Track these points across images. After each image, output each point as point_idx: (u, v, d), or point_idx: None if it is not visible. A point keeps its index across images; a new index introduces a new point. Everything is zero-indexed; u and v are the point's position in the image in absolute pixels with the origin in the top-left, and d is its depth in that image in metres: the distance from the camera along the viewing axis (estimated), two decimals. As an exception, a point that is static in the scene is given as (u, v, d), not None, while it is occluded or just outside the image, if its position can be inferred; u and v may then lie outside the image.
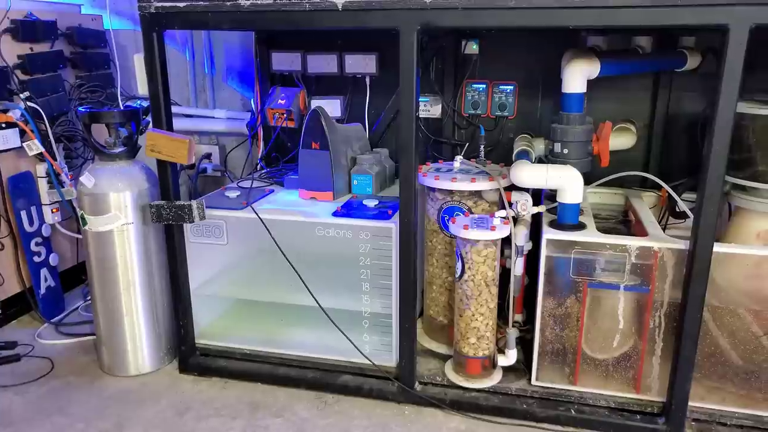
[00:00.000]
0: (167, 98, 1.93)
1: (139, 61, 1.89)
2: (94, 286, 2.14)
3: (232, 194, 2.25)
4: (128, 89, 3.07)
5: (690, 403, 1.80)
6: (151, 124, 1.96)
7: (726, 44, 1.49)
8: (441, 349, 2.20)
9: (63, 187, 2.51)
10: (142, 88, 1.92)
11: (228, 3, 1.76)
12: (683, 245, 1.72)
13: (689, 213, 1.90)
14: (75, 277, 2.89)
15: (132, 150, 2.13)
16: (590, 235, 1.83)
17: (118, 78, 2.95)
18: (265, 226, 2.02)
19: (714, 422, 1.83)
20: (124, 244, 2.08)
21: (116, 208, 2.05)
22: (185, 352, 2.19)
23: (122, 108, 2.27)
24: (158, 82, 1.88)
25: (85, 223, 2.07)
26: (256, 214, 2.04)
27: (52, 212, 2.58)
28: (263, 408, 2.01)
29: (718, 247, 1.67)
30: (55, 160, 2.48)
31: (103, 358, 2.22)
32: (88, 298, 2.75)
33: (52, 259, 2.63)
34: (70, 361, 2.30)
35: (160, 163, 1.97)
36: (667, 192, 2.11)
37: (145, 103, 2.20)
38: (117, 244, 2.07)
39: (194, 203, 1.98)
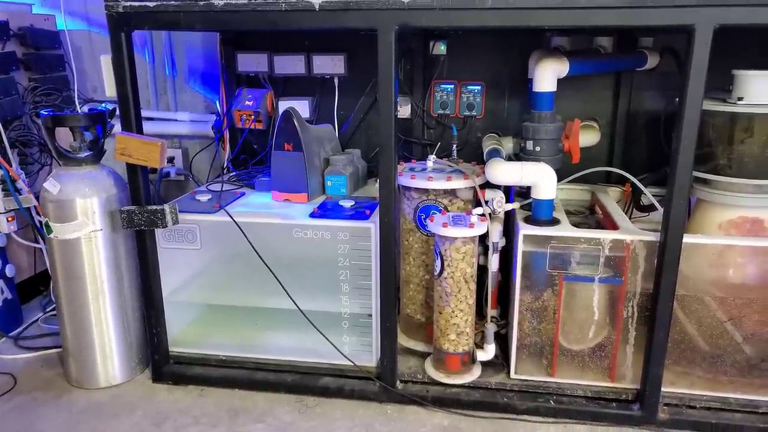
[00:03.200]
0: (137, 100, 1.87)
1: (106, 63, 1.83)
2: (60, 296, 2.05)
3: (203, 198, 2.20)
4: (85, 92, 2.96)
5: (662, 389, 1.88)
6: (120, 127, 1.89)
7: (692, 44, 1.56)
8: (419, 347, 2.22)
9: (20, 194, 2.39)
10: (110, 90, 1.85)
11: (201, 2, 1.72)
12: (654, 237, 1.79)
13: (657, 206, 1.98)
14: (33, 288, 2.77)
15: (98, 154, 2.06)
16: (565, 230, 1.88)
17: (74, 80, 2.84)
18: (241, 230, 1.99)
19: (684, 406, 1.91)
20: (92, 251, 2.00)
21: (83, 214, 1.97)
22: (158, 360, 2.13)
23: (84, 111, 2.17)
24: (127, 84, 1.82)
25: (50, 231, 1.98)
26: (231, 217, 2.00)
27: (8, 221, 2.46)
28: (243, 414, 1.97)
29: (687, 238, 1.74)
30: (11, 166, 2.37)
31: (71, 371, 2.13)
32: (48, 309, 2.65)
33: (9, 271, 2.51)
34: (33, 376, 2.19)
35: (130, 167, 1.91)
36: (631, 186, 2.20)
37: (110, 106, 2.12)
38: (85, 251, 2.00)
39: (167, 207, 1.93)
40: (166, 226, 1.94)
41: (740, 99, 1.88)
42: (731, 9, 1.51)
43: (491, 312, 2.24)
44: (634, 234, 1.83)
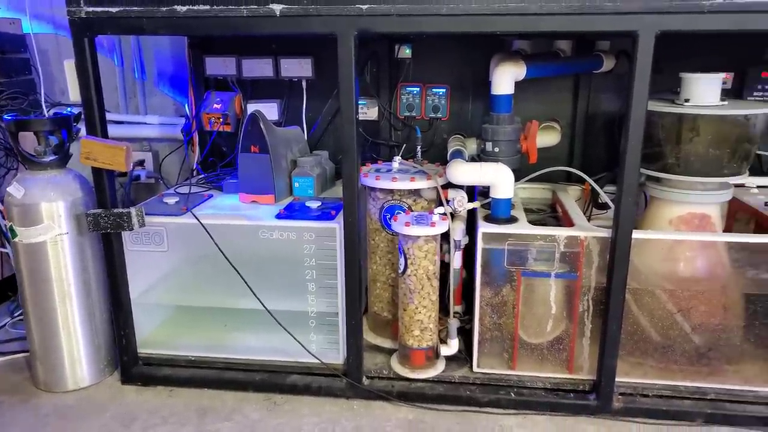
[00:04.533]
0: (101, 104, 1.89)
1: (70, 68, 1.84)
2: (26, 299, 2.06)
3: (171, 200, 2.22)
4: (52, 95, 2.95)
5: (617, 379, 1.95)
6: (85, 131, 1.91)
7: (636, 48, 1.64)
8: (386, 343, 2.27)
9: (-15, 199, 2.39)
10: (74, 94, 1.87)
11: (163, 9, 1.75)
12: (606, 233, 1.87)
13: (610, 204, 2.06)
14: (1, 293, 2.76)
15: (64, 158, 2.07)
16: (522, 228, 1.95)
17: (41, 84, 2.83)
18: (207, 231, 2.02)
19: (638, 395, 1.99)
20: (59, 255, 2.02)
21: (49, 218, 1.98)
22: (127, 362, 2.15)
23: (50, 115, 2.18)
24: (91, 88, 1.84)
25: (14, 236, 1.99)
26: (197, 219, 2.03)
27: (-26, 226, 2.46)
28: (212, 413, 2.00)
29: (636, 234, 1.82)
30: (-24, 170, 2.37)
31: (38, 375, 2.14)
32: (16, 314, 2.65)
33: (-25, 276, 2.51)
34: (0, 381, 2.19)
35: (96, 171, 1.93)
36: (590, 185, 2.27)
37: (75, 110, 2.13)
38: (51, 255, 2.01)
39: (133, 210, 1.95)
40: (133, 229, 1.97)
41: (687, 101, 1.97)
42: (671, 16, 1.59)
43: (456, 308, 2.31)
44: (588, 231, 1.91)
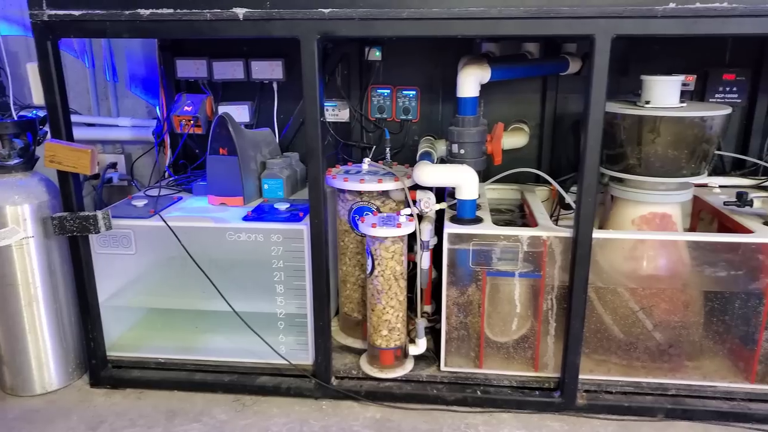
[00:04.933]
0: (65, 108, 1.89)
1: (33, 71, 1.84)
2: (-8, 304, 2.06)
3: (139, 203, 2.22)
4: (21, 98, 2.93)
5: (581, 376, 1.99)
6: (49, 135, 1.91)
7: (593, 52, 1.67)
8: (357, 344, 2.29)
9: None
10: (38, 97, 1.87)
11: (126, 12, 1.76)
12: (568, 233, 1.90)
13: (572, 204, 2.10)
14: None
15: (29, 161, 2.07)
16: (486, 228, 1.98)
17: (10, 86, 2.82)
18: (174, 234, 2.02)
19: (602, 391, 2.03)
20: (24, 258, 2.01)
21: (14, 221, 1.98)
22: (96, 365, 2.14)
23: (16, 118, 2.18)
24: (55, 91, 1.84)
25: (-21, 239, 1.98)
26: (164, 221, 2.03)
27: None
28: (181, 415, 2.01)
29: (596, 234, 1.86)
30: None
31: (5, 379, 2.12)
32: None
33: (-57, 280, 2.48)
34: (-32, 385, 2.18)
35: (61, 174, 1.93)
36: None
37: (42, 113, 2.13)
38: (16, 259, 2.00)
39: (99, 213, 1.95)
40: (99, 232, 1.97)
41: (647, 102, 2.01)
42: (626, 20, 1.63)
43: (426, 308, 2.34)
44: (550, 231, 1.94)
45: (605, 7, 1.63)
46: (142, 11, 1.76)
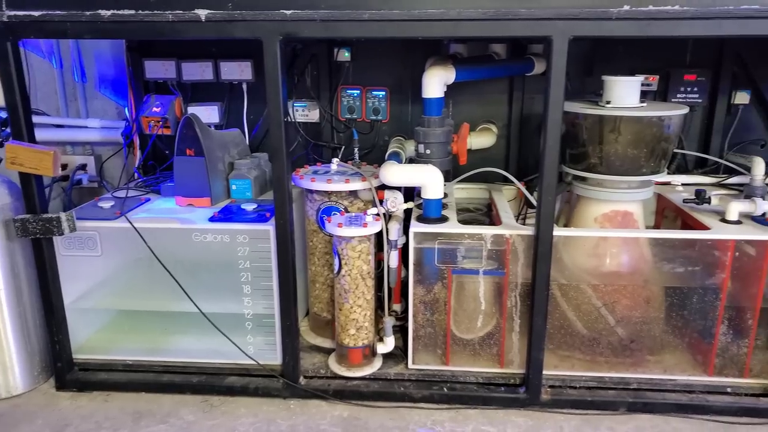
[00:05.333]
0: (27, 109, 1.88)
1: (-8, 72, 1.83)
2: (-46, 307, 2.03)
3: (106, 204, 2.21)
4: (-12, 99, 2.90)
5: (546, 372, 2.02)
6: (11, 136, 1.89)
7: (551, 53, 1.70)
8: (326, 343, 2.30)
9: None
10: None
11: (87, 13, 1.75)
12: (530, 231, 1.94)
13: (534, 202, 2.13)
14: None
15: (-9, 163, 2.05)
16: (451, 227, 2.00)
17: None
18: (140, 235, 2.02)
19: (566, 387, 2.06)
20: (-13, 261, 2.00)
21: (-24, 224, 1.96)
22: (62, 368, 2.13)
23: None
24: (15, 92, 1.82)
25: (-60, 242, 1.96)
26: (130, 222, 2.03)
27: None
28: (147, 416, 2.00)
29: (557, 231, 1.89)
30: None
31: (-30, 383, 2.11)
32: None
33: None
34: (-69, 390, 2.16)
35: (23, 176, 1.91)
36: (525, 185, 2.34)
37: (3, 114, 2.11)
38: (-21, 262, 1.99)
39: (63, 215, 1.94)
40: (63, 234, 1.95)
41: (608, 102, 2.05)
42: (582, 22, 1.66)
43: (396, 306, 2.35)
44: (513, 229, 1.97)
45: (562, 9, 1.66)
46: (103, 12, 1.75)
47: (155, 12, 1.75)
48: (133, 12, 1.75)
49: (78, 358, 2.18)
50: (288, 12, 1.72)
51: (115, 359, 2.19)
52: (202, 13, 1.74)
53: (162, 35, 1.78)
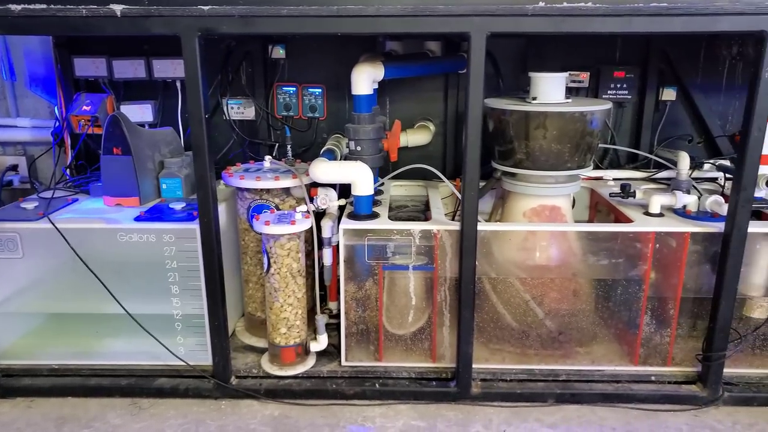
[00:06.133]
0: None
1: None
2: None
3: (30, 205, 2.15)
4: None
5: (477, 365, 2.04)
6: None
7: (469, 49, 1.72)
8: (261, 343, 2.28)
9: None
10: None
11: (-4, 7, 1.70)
12: (457, 226, 1.95)
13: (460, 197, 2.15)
14: None
15: None
16: (380, 223, 2.01)
17: None
18: (62, 236, 1.97)
19: (497, 379, 2.09)
20: None
21: None
22: (-18, 375, 2.06)
23: None
24: None
25: None
26: (52, 223, 1.97)
27: None
28: (72, 421, 1.95)
29: (481, 226, 1.91)
30: None
31: None
32: None
33: None
34: None
35: (-66, 176, 1.85)
36: (461, 182, 2.36)
37: None
38: None
39: (-23, 217, 1.88)
40: (-22, 236, 1.89)
41: (534, 99, 2.08)
42: (498, 18, 1.68)
43: (332, 304, 2.35)
44: (440, 224, 1.99)
45: (478, 5, 1.68)
46: (13, 6, 1.70)
47: (68, 6, 1.70)
48: (44, 6, 1.70)
49: (0, 363, 2.11)
50: (206, 8, 1.70)
51: (41, 364, 2.13)
52: (118, 8, 1.70)
53: (76, 31, 1.73)
